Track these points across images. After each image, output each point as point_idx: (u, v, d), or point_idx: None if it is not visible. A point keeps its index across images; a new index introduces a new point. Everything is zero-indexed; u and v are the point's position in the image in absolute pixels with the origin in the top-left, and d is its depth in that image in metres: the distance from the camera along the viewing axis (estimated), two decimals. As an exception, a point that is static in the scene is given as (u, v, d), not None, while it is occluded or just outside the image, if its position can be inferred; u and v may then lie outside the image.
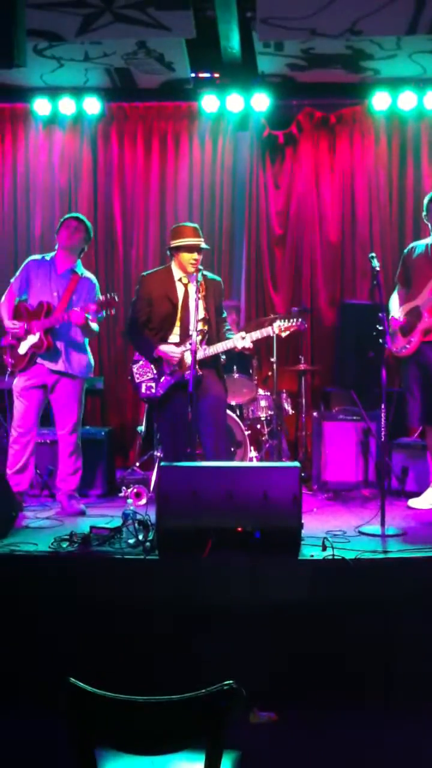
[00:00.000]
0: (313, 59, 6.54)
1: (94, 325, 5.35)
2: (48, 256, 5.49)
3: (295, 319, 5.31)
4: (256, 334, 5.18)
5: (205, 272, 5.20)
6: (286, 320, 5.29)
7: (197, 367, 4.89)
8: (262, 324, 5.40)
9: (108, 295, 5.22)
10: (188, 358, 4.99)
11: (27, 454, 5.30)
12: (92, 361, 5.49)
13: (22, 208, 7.53)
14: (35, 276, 5.39)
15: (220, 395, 5.24)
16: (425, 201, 5.44)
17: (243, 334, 5.17)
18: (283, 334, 5.30)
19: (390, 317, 5.39)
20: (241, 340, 5.11)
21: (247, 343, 5.13)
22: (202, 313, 5.11)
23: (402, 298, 5.47)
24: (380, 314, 4.87)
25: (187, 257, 5.14)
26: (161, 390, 5.22)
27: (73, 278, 5.37)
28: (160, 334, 5.24)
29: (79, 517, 5.16)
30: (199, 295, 5.03)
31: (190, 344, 4.86)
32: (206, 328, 5.20)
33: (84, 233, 5.43)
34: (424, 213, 5.44)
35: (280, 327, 5.22)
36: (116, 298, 5.22)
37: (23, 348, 5.26)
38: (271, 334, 5.24)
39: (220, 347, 5.15)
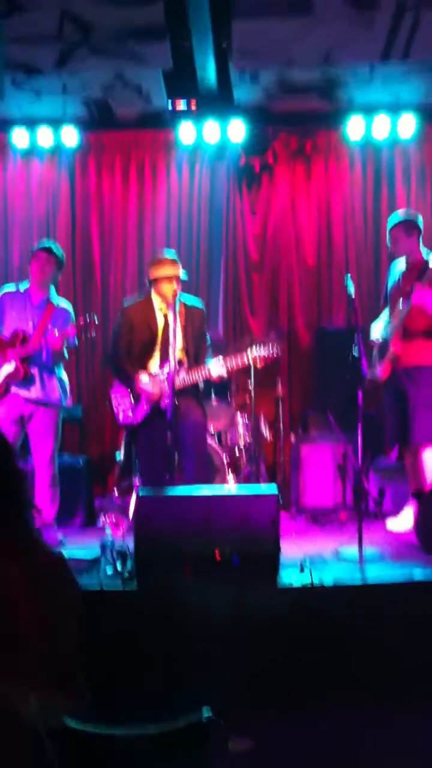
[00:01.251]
0: (288, 88, 6.62)
1: (65, 351, 5.37)
2: (22, 288, 5.49)
3: (270, 348, 5.31)
4: (232, 362, 5.21)
5: (185, 299, 5.26)
6: (262, 349, 5.28)
7: (175, 396, 4.93)
8: (239, 349, 5.43)
9: (87, 318, 5.25)
10: (166, 387, 5.05)
11: None
12: (67, 389, 5.50)
13: (0, 238, 7.55)
14: (10, 307, 5.41)
15: (199, 420, 5.28)
16: (388, 228, 5.54)
17: (219, 359, 5.21)
18: (259, 365, 5.34)
19: (369, 341, 5.48)
20: (216, 368, 5.15)
21: (223, 371, 5.16)
22: (180, 343, 5.17)
23: (383, 319, 5.58)
24: (356, 337, 4.95)
25: (166, 288, 5.19)
26: (139, 417, 5.26)
27: (48, 308, 5.38)
28: (139, 361, 5.30)
29: (57, 548, 5.15)
30: (178, 324, 5.09)
31: (168, 374, 4.92)
32: (184, 357, 5.25)
33: (54, 264, 5.43)
34: (390, 243, 5.54)
35: (255, 359, 5.25)
36: (96, 320, 5.24)
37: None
38: (248, 364, 5.27)
39: (195, 376, 5.19)
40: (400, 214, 5.70)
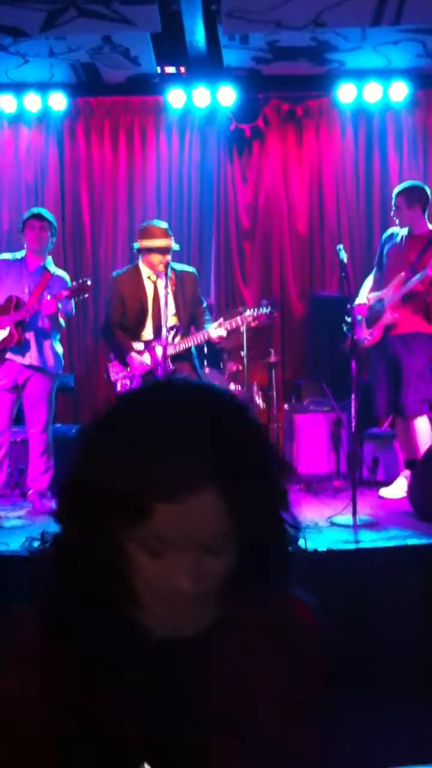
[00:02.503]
0: (278, 52, 6.55)
1: (61, 320, 5.33)
2: (19, 255, 5.43)
3: (263, 308, 5.31)
4: (230, 323, 5.19)
5: (175, 265, 5.20)
6: (257, 309, 5.30)
7: (169, 362, 4.91)
8: (232, 316, 5.44)
9: (80, 280, 5.20)
10: (159, 352, 5.02)
11: (0, 456, 5.28)
12: (62, 356, 5.47)
13: (-11, 204, 7.48)
14: (5, 275, 5.35)
15: None
16: (393, 195, 5.45)
17: (221, 321, 5.20)
18: (253, 324, 5.32)
19: (355, 303, 5.40)
20: (215, 329, 5.13)
21: (222, 331, 5.14)
22: (172, 309, 5.13)
23: (376, 282, 5.49)
24: (349, 306, 4.91)
25: (157, 259, 5.12)
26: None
27: (45, 275, 5.33)
28: (132, 331, 5.28)
29: (51, 516, 5.11)
30: (168, 291, 5.04)
31: (161, 343, 4.90)
32: (177, 322, 5.22)
33: (49, 230, 5.38)
34: (393, 210, 5.44)
35: (249, 316, 5.23)
36: (89, 282, 5.18)
37: None
38: (241, 324, 5.25)
39: (192, 340, 5.17)
40: (405, 183, 5.58)
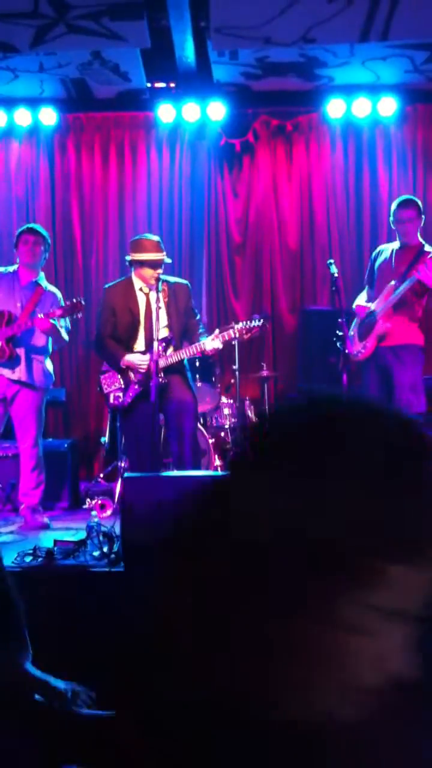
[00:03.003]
0: (267, 67, 6.58)
1: (64, 333, 5.31)
2: (11, 269, 5.43)
3: (255, 321, 5.31)
4: (225, 335, 5.19)
5: (168, 278, 5.21)
6: (247, 322, 5.30)
7: (161, 374, 4.90)
8: (225, 329, 5.44)
9: (74, 299, 5.20)
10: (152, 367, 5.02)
11: None
12: (52, 372, 5.45)
13: (-21, 219, 7.46)
14: None
15: (185, 399, 5.22)
16: (393, 207, 5.48)
17: (216, 333, 5.19)
18: (246, 336, 5.32)
19: (354, 306, 5.42)
20: (211, 342, 5.12)
21: (218, 344, 5.13)
22: (164, 321, 5.12)
23: (368, 300, 5.52)
24: (340, 320, 4.91)
25: (149, 273, 5.13)
26: (129, 399, 5.22)
27: (37, 290, 5.32)
28: (124, 343, 5.26)
29: (42, 531, 5.09)
30: (160, 304, 5.03)
31: (152, 356, 4.89)
32: (169, 334, 5.21)
33: (43, 245, 5.38)
34: (390, 218, 5.47)
35: (241, 329, 5.23)
36: (83, 301, 5.18)
37: None
38: (234, 336, 5.25)
39: (186, 353, 5.16)
40: (407, 196, 5.61)
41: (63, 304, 5.35)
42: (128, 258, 5.28)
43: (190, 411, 5.24)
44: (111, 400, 5.29)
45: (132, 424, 5.26)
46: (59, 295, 5.46)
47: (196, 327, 5.35)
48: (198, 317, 5.44)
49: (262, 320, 5.36)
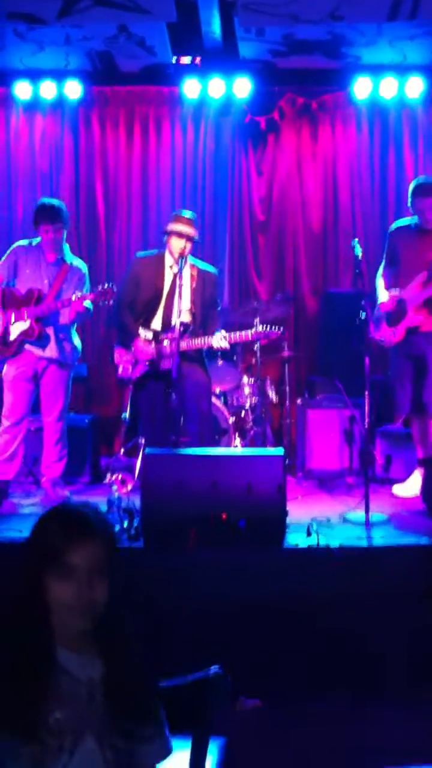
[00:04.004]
0: (294, 45, 6.51)
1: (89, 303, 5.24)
2: (35, 242, 5.38)
3: (273, 327, 5.47)
4: (235, 336, 5.29)
5: (197, 262, 5.24)
6: (264, 327, 5.47)
7: (179, 358, 4.92)
8: (244, 325, 5.61)
9: (104, 285, 5.16)
10: (166, 345, 5.06)
11: (16, 444, 5.25)
12: (79, 348, 5.46)
13: (3, 192, 7.42)
14: (24, 263, 5.31)
15: (200, 381, 5.28)
16: (410, 189, 5.40)
17: (224, 333, 5.24)
18: (263, 342, 5.58)
19: (379, 303, 5.36)
20: (219, 339, 5.19)
21: (225, 343, 5.22)
22: (187, 305, 5.13)
23: (388, 279, 5.41)
24: (363, 302, 4.87)
25: (175, 243, 5.19)
26: (137, 374, 5.28)
27: (64, 268, 5.30)
28: (142, 318, 5.28)
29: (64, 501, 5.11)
30: (184, 282, 5.04)
31: (172, 336, 4.91)
32: (190, 321, 5.22)
33: (62, 228, 5.27)
34: (409, 202, 5.39)
35: (262, 332, 5.40)
36: (114, 288, 5.15)
37: (13, 334, 5.19)
38: (246, 338, 5.41)
39: (195, 342, 5.20)
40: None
41: (88, 283, 5.33)
42: (164, 231, 5.34)
43: (203, 391, 5.31)
44: (120, 372, 5.39)
45: (145, 402, 5.34)
46: (85, 269, 5.43)
47: (215, 319, 5.39)
48: (219, 308, 5.48)
49: (282, 328, 5.51)
